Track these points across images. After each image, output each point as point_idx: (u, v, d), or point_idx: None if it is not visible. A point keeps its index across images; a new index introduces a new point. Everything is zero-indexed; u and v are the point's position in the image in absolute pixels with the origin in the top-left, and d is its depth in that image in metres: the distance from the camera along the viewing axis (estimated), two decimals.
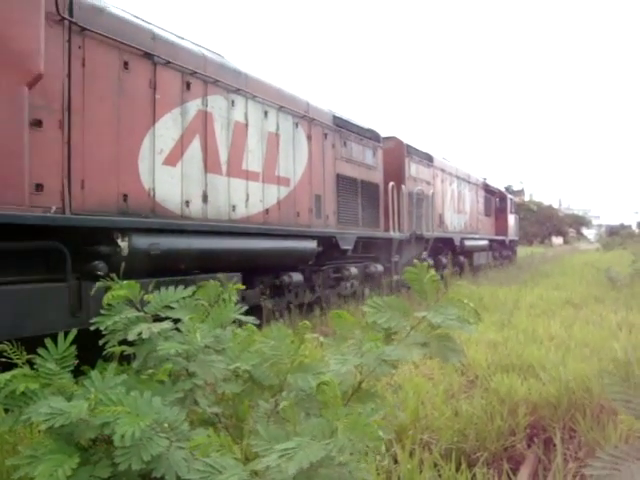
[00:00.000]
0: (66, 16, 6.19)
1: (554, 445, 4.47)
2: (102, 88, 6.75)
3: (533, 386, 5.68)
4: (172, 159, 7.77)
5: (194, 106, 8.19)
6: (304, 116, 11.06)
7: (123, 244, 6.68)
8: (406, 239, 15.54)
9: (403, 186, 15.46)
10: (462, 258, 20.60)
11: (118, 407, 2.24)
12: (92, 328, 2.79)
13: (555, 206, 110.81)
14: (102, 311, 2.79)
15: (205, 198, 8.34)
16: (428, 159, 18.12)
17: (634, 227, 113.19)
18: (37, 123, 5.82)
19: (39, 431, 2.49)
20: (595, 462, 2.08)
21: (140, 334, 2.62)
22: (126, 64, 7.06)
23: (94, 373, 2.52)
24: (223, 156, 8.78)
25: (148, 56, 7.37)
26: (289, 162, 10.52)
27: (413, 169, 16.67)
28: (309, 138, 11.23)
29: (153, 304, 2.91)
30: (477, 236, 23.60)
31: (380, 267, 13.84)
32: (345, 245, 12.03)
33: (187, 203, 7.99)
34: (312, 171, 11.25)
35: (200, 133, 8.29)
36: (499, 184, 30.33)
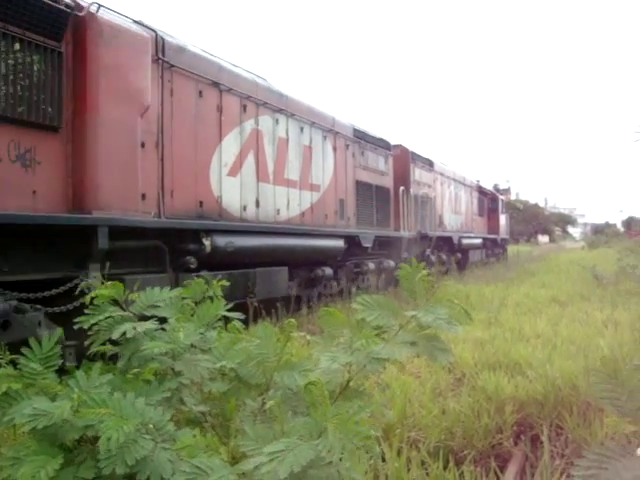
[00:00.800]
0: (160, 56, 7.88)
1: (541, 442, 4.48)
2: (184, 113, 8.39)
3: (520, 384, 5.69)
4: (233, 171, 9.50)
5: (249, 125, 9.95)
6: (330, 130, 12.81)
7: (207, 242, 8.34)
8: (414, 237, 17.36)
9: (410, 189, 17.37)
10: (459, 255, 22.54)
11: (102, 409, 2.21)
12: (76, 327, 2.76)
13: (541, 205, 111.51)
14: (86, 310, 2.75)
15: (257, 203, 10.07)
16: (429, 164, 19.83)
17: (619, 225, 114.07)
18: (142, 145, 7.43)
19: (22, 432, 2.45)
20: (581, 461, 2.07)
21: (124, 334, 2.59)
22: (200, 92, 8.76)
23: (79, 373, 2.49)
24: (270, 167, 10.54)
25: (216, 85, 9.07)
26: (319, 171, 12.27)
27: (417, 174, 18.41)
28: (334, 149, 13.01)
29: (138, 303, 2.88)
30: (472, 235, 25.37)
31: (392, 263, 15.31)
32: (366, 243, 13.87)
33: (244, 208, 9.70)
34: (337, 178, 13.07)
35: (253, 148, 10.04)
36: (486, 182, 30.81)
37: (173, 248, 8.01)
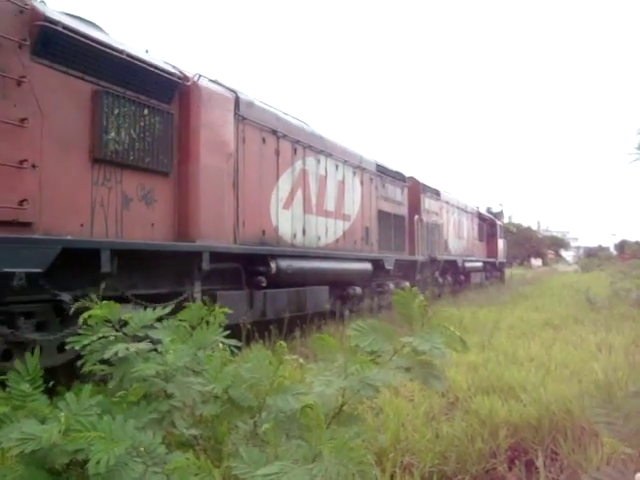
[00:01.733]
0: (237, 111, 9.73)
1: (536, 467, 4.44)
2: (252, 157, 10.19)
3: (514, 408, 5.65)
4: (287, 204, 11.34)
5: (298, 165, 11.80)
6: (358, 166, 14.72)
7: (273, 265, 10.20)
8: (426, 261, 19.43)
9: (423, 217, 19.55)
10: (463, 277, 24.76)
11: (91, 433, 2.18)
12: (67, 347, 2.74)
13: (534, 228, 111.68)
14: (79, 330, 2.73)
15: (304, 232, 11.91)
16: (437, 194, 21.69)
17: (612, 249, 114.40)
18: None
19: (10, 455, 2.41)
20: None
21: (116, 354, 2.56)
22: (264, 139, 10.61)
23: (69, 395, 2.45)
24: (313, 200, 12.35)
25: (274, 132, 10.91)
26: (350, 202, 14.15)
27: (427, 203, 20.28)
28: (361, 183, 14.94)
29: (132, 324, 2.85)
30: (474, 258, 27.35)
31: (408, 283, 16.22)
32: (388, 266, 15.74)
33: (294, 235, 11.54)
34: (363, 208, 14.93)
35: (301, 185, 11.88)
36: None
37: (246, 269, 10.01)
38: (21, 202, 6.17)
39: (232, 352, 2.93)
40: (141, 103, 7.76)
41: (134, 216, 7.62)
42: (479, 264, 28.44)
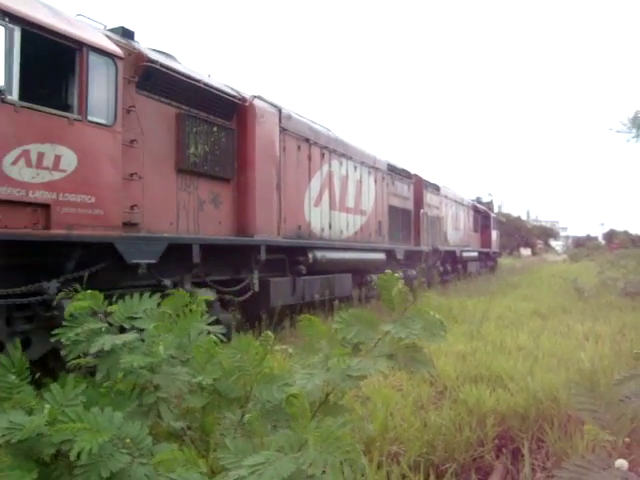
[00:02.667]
0: (280, 124, 11.53)
1: (522, 455, 4.48)
2: (290, 163, 11.99)
3: (501, 397, 5.69)
4: (317, 203, 13.24)
5: (325, 168, 13.70)
6: (372, 166, 16.71)
7: (310, 255, 12.28)
8: (430, 251, 21.46)
9: (426, 211, 21.57)
10: (460, 266, 26.49)
11: (77, 424, 2.18)
12: (53, 340, 2.73)
13: (523, 218, 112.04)
14: (65, 322, 2.72)
15: (330, 226, 13.84)
16: (437, 189, 23.52)
17: (600, 238, 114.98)
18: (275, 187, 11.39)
19: None
20: (561, 473, 2.07)
21: (103, 347, 2.56)
22: (299, 147, 12.45)
23: (54, 386, 2.45)
24: (337, 198, 14.29)
25: (307, 140, 12.77)
26: (366, 199, 16.13)
27: (428, 198, 22.06)
28: (375, 181, 16.93)
29: (117, 314, 2.84)
30: (470, 249, 29.19)
31: (414, 272, 19.07)
32: (399, 256, 17.93)
33: (322, 229, 13.45)
34: (377, 204, 16.94)
35: (328, 185, 13.81)
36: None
37: (289, 259, 12.07)
38: (132, 207, 7.92)
39: (220, 340, 2.93)
40: (211, 122, 9.69)
41: (206, 216, 9.57)
42: (475, 254, 30.24)
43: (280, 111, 11.58)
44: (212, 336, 2.80)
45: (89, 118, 7.14)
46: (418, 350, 2.45)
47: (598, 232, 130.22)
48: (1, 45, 6.21)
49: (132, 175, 7.91)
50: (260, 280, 10.66)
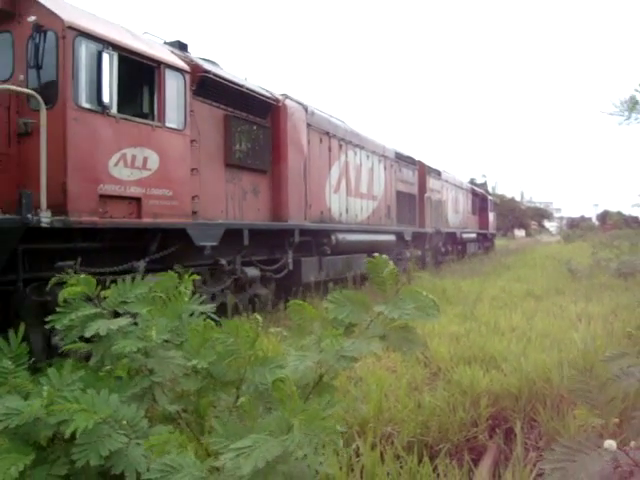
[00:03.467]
0: (307, 121, 13.06)
1: (515, 435, 4.52)
2: (314, 154, 13.46)
3: (495, 377, 5.74)
4: (336, 190, 14.78)
5: (343, 158, 15.29)
6: (382, 155, 18.25)
7: (333, 237, 13.87)
8: (433, 233, 23.09)
9: (429, 195, 23.18)
10: (460, 247, 28.38)
11: (74, 405, 2.19)
12: (47, 327, 2.74)
13: (517, 199, 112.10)
14: (58, 309, 2.73)
15: (347, 211, 15.43)
16: (438, 174, 25.02)
17: (594, 219, 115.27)
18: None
19: None
20: (551, 454, 2.09)
21: (98, 332, 2.57)
22: (321, 139, 13.98)
23: (51, 370, 2.46)
24: (352, 185, 15.86)
25: (327, 133, 14.30)
26: (377, 185, 17.70)
27: (431, 183, 23.57)
28: (384, 169, 18.47)
29: (111, 299, 2.85)
30: (469, 230, 30.97)
31: (420, 252, 21.12)
32: (407, 237, 19.79)
33: (340, 214, 15.01)
34: (386, 190, 18.49)
35: (344, 173, 15.35)
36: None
37: (315, 241, 13.61)
38: (193, 197, 9.32)
39: (215, 321, 2.93)
40: (251, 121, 11.21)
41: (248, 204, 11.14)
42: (473, 235, 32.11)
43: (306, 109, 13.13)
44: (208, 320, 2.80)
45: (167, 124, 8.74)
46: (410, 330, 2.46)
47: (592, 213, 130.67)
48: (106, 69, 7.61)
49: (193, 170, 9.32)
50: (293, 260, 12.43)
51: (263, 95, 11.57)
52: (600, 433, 3.30)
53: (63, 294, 2.75)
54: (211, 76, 9.88)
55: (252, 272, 11.02)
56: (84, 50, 7.47)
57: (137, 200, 8.13)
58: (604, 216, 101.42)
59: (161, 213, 8.51)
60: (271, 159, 11.76)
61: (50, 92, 7.12)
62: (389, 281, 2.48)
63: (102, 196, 7.57)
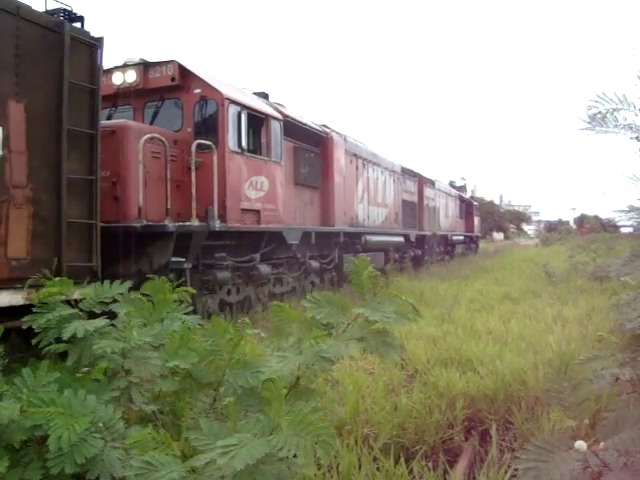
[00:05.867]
0: (345, 147, 16.64)
1: (491, 437, 4.56)
2: (348, 173, 16.70)
3: (471, 380, 5.78)
4: (361, 200, 18.03)
5: (365, 174, 18.63)
6: (392, 170, 21.76)
7: (363, 238, 17.35)
8: (431, 235, 26.83)
9: (427, 203, 26.88)
10: (450, 248, 32.48)
11: (50, 408, 2.18)
12: (24, 327, 2.73)
13: (496, 202, 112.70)
14: (34, 309, 2.72)
15: (368, 217, 18.76)
16: (432, 184, 28.58)
17: (571, 223, 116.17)
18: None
19: None
20: (524, 454, 2.13)
21: (75, 333, 2.56)
22: (351, 160, 17.24)
23: (26, 370, 2.45)
24: (372, 196, 19.20)
25: (355, 155, 17.64)
26: (388, 196, 21.15)
27: (427, 192, 26.95)
28: (393, 182, 21.94)
29: (89, 300, 2.84)
30: (457, 233, 34.65)
31: (420, 251, 24.99)
32: (412, 239, 23.64)
33: (364, 220, 18.30)
34: (395, 199, 21.92)
35: (366, 187, 18.67)
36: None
37: (350, 241, 16.91)
38: (277, 209, 12.42)
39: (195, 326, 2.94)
40: (309, 150, 14.78)
41: (308, 213, 14.63)
42: (461, 237, 35.93)
43: (344, 138, 16.96)
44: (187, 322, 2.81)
45: (272, 159, 12.25)
46: (388, 334, 2.49)
47: (570, 217, 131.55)
48: (243, 123, 11.20)
49: (277, 188, 12.60)
50: (340, 256, 16.20)
51: (318, 130, 15.32)
52: (573, 434, 3.35)
53: (38, 295, 2.75)
54: (290, 120, 13.44)
55: (314, 264, 14.60)
56: (232, 112, 10.94)
57: (257, 212, 11.75)
58: (581, 220, 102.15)
59: (269, 221, 12.14)
60: (321, 178, 15.33)
61: (213, 141, 10.29)
62: (368, 284, 2.51)
63: (242, 209, 11.17)
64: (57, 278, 2.78)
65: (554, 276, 16.35)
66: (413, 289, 13.09)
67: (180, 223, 9.60)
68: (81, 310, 2.77)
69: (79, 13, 7.45)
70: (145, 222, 9.05)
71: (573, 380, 2.66)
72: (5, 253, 6.26)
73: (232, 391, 2.54)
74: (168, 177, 9.52)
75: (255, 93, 13.32)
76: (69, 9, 7.33)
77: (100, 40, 7.55)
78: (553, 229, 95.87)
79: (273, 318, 2.74)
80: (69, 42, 6.96)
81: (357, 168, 17.83)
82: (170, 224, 9.29)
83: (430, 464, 4.17)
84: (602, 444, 2.08)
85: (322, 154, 15.39)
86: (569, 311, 9.94)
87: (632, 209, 2.69)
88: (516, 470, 3.21)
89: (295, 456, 2.02)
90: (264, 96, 13.65)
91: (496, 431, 4.64)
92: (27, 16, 6.54)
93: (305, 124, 14.55)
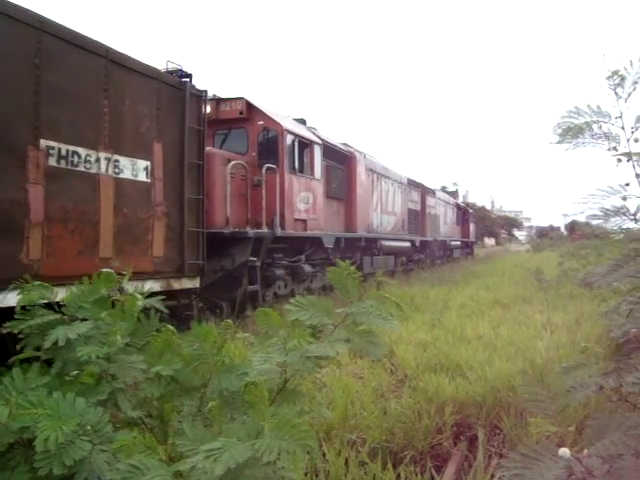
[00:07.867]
0: (364, 164, 19.73)
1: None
2: (366, 186, 19.59)
3: (460, 385, 5.79)
4: (375, 209, 20.59)
5: (378, 187, 21.24)
6: (400, 182, 24.43)
7: (379, 243, 20.64)
8: (432, 241, 29.75)
9: (429, 211, 29.88)
10: (448, 252, 35.88)
11: (38, 410, 2.17)
12: (4, 331, 2.71)
13: (488, 207, 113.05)
14: (16, 315, 2.70)
15: (381, 224, 21.31)
16: (433, 193, 31.73)
17: (563, 229, 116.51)
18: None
19: None
20: (508, 462, 2.14)
21: (57, 341, 2.54)
22: (368, 175, 19.86)
23: (15, 370, 2.43)
24: (383, 205, 21.70)
25: (371, 170, 20.42)
26: (396, 205, 23.74)
27: (428, 200, 29.73)
28: (401, 192, 24.59)
29: (71, 305, 2.82)
30: (455, 238, 38.00)
31: (423, 255, 27.96)
32: (418, 244, 26.62)
33: (378, 227, 20.86)
34: (402, 208, 24.53)
35: (380, 198, 21.30)
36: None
37: (368, 246, 19.45)
38: (318, 218, 14.87)
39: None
40: (337, 167, 17.10)
41: (335, 221, 16.93)
42: (458, 243, 39.27)
43: (364, 155, 19.82)
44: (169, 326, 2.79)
45: (315, 177, 14.94)
46: (373, 335, 2.51)
47: (561, 223, 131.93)
48: (295, 149, 13.88)
49: (317, 202, 15.15)
50: (361, 258, 18.42)
51: (344, 150, 18.04)
52: (559, 441, 3.36)
53: (20, 302, 2.73)
54: (326, 142, 16.01)
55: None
56: (288, 140, 13.51)
57: (304, 221, 14.25)
58: (572, 226, 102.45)
59: (313, 228, 14.66)
60: (346, 191, 17.81)
61: (274, 163, 12.84)
62: (353, 287, 2.53)
63: (295, 219, 13.63)
64: (36, 282, 2.77)
65: (544, 282, 16.39)
66: (403, 294, 13.10)
67: (255, 230, 12.19)
68: (64, 315, 2.75)
69: (189, 71, 9.77)
70: (232, 229, 11.60)
71: (552, 389, 2.67)
72: (151, 253, 8.56)
73: (217, 394, 2.53)
74: (248, 194, 12.37)
75: (295, 119, 15.76)
76: (182, 69, 9.62)
77: (205, 92, 9.98)
78: (544, 235, 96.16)
79: (260, 324, 2.74)
80: (189, 97, 9.37)
81: (372, 181, 20.48)
82: (250, 231, 11.94)
83: (418, 469, 4.17)
84: (585, 451, 2.09)
85: (347, 170, 17.95)
86: (559, 317, 9.97)
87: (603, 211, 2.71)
88: (502, 477, 3.22)
89: (278, 459, 2.03)
90: (302, 122, 16.19)
91: (484, 436, 4.65)
92: (164, 79, 8.96)
93: (335, 145, 17.31)
